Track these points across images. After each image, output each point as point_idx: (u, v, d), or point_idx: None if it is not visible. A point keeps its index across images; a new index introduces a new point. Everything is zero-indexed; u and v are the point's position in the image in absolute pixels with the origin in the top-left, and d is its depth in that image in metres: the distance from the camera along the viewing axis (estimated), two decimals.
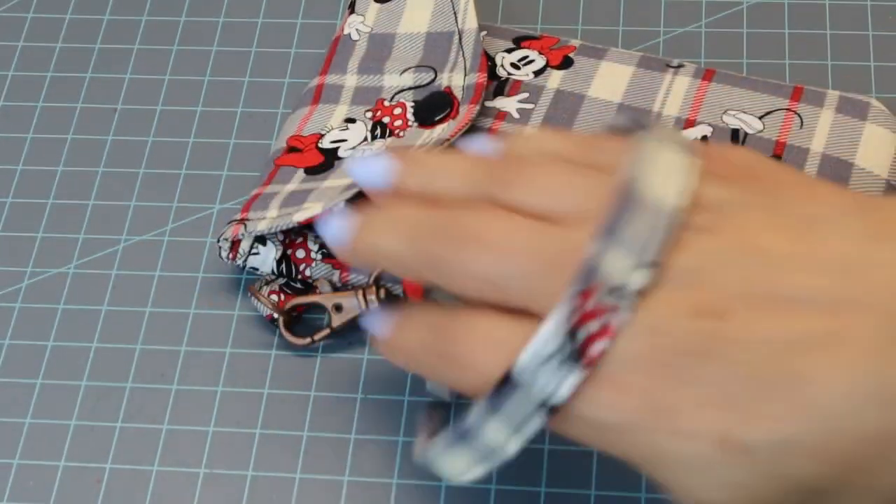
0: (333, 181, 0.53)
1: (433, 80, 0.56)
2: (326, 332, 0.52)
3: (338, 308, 0.52)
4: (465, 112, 0.54)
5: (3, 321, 0.55)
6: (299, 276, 0.53)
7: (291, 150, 0.55)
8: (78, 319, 0.55)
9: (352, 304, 0.51)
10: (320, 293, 0.52)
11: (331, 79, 0.57)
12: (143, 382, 0.53)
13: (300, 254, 0.53)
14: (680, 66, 0.56)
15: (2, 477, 0.51)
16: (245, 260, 0.53)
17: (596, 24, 0.61)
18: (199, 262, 0.56)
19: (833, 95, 0.54)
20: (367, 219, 0.41)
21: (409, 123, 0.55)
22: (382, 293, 0.51)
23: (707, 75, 0.55)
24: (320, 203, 0.51)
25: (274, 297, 0.53)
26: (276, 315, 0.52)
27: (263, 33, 0.62)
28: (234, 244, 0.53)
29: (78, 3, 0.64)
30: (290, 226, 0.51)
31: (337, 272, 0.52)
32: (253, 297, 0.53)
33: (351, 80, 0.57)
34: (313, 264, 0.53)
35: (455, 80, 0.55)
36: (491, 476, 0.50)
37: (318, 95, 0.57)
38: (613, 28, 0.61)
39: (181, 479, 0.51)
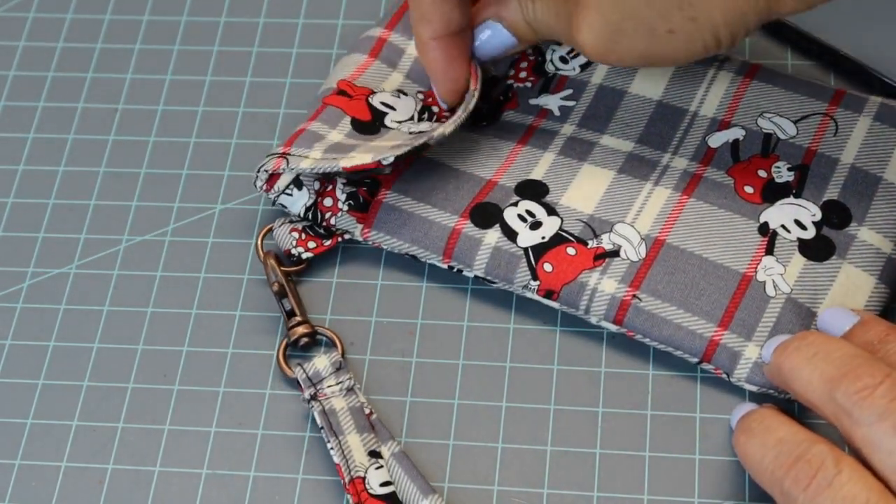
0: (380, 142, 0.54)
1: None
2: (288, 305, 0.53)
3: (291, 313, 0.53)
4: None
5: (5, 321, 0.55)
6: (324, 223, 0.53)
7: (341, 92, 0.55)
8: (79, 320, 0.55)
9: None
10: (282, 298, 0.53)
11: (394, 38, 0.57)
12: (145, 383, 0.53)
13: (328, 202, 0.53)
14: (726, 59, 0.55)
15: (4, 477, 0.51)
16: (278, 196, 0.54)
17: None
18: (201, 263, 0.56)
19: (874, 102, 0.54)
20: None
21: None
22: (303, 340, 0.52)
23: (750, 72, 0.55)
24: (369, 154, 0.52)
25: (295, 234, 0.53)
26: (293, 252, 0.53)
27: (265, 33, 0.62)
28: (272, 177, 0.53)
29: (79, 3, 0.64)
30: (335, 169, 0.51)
31: (360, 226, 0.53)
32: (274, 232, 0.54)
33: (412, 49, 0.57)
34: (339, 214, 0.53)
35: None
36: (493, 476, 0.50)
37: (379, 49, 0.57)
38: None
39: (183, 479, 0.51)
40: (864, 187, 0.52)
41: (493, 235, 0.52)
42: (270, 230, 0.54)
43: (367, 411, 0.50)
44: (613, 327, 0.51)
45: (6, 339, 0.55)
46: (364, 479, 0.48)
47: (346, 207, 0.53)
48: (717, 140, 0.53)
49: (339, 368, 0.51)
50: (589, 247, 0.51)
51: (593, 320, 0.51)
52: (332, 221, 0.53)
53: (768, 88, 0.54)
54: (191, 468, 0.51)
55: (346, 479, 0.48)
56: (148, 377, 0.53)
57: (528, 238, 0.51)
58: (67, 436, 0.52)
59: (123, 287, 0.55)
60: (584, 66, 0.56)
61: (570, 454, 0.50)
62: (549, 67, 0.56)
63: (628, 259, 0.51)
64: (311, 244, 0.54)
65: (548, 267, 0.51)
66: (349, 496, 0.48)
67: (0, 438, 0.52)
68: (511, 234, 0.52)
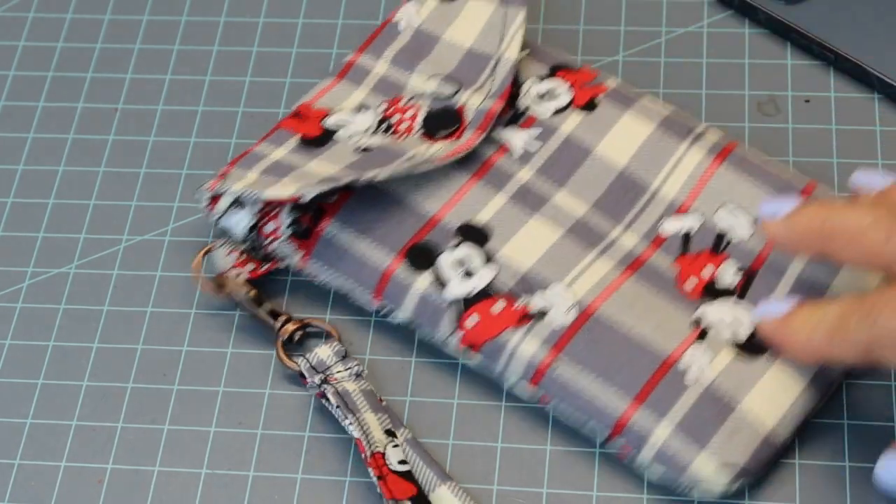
0: (319, 164, 0.53)
1: (454, 95, 0.55)
2: (251, 288, 0.53)
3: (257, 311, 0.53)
4: (468, 138, 0.53)
5: (5, 321, 0.55)
6: (264, 248, 0.53)
7: (296, 115, 0.55)
8: (79, 319, 0.55)
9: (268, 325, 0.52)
10: (251, 301, 0.52)
11: (363, 59, 0.57)
12: (145, 382, 0.53)
13: (270, 227, 0.52)
14: (701, 134, 0.54)
15: (3, 477, 0.51)
16: (220, 218, 0.53)
17: (597, 24, 0.61)
18: (201, 262, 0.55)
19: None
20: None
21: (414, 131, 0.54)
22: (297, 335, 0.52)
23: (722, 153, 0.53)
24: (294, 185, 0.51)
25: (234, 255, 0.53)
26: (218, 285, 0.53)
27: (265, 33, 0.62)
28: (214, 198, 0.53)
29: (79, 3, 0.64)
30: (260, 198, 0.50)
31: (299, 254, 0.52)
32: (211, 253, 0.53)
33: (381, 67, 0.56)
34: (279, 240, 0.52)
35: (473, 100, 0.55)
36: (493, 476, 0.50)
37: (346, 72, 0.57)
38: (615, 28, 0.61)
39: (183, 479, 0.51)
40: (808, 298, 0.49)
41: (424, 280, 0.51)
42: (209, 251, 0.53)
43: (378, 396, 0.50)
44: (529, 390, 0.49)
45: (6, 339, 0.55)
46: (384, 454, 0.48)
47: (287, 234, 0.52)
48: (671, 225, 0.52)
49: (344, 356, 0.51)
50: (517, 304, 0.50)
51: (511, 379, 0.50)
52: (273, 247, 0.52)
53: (735, 177, 0.52)
54: (190, 468, 0.51)
55: (368, 453, 0.48)
56: (148, 377, 0.53)
57: (458, 288, 0.50)
58: (67, 435, 0.52)
59: (123, 287, 0.55)
60: (557, 111, 0.55)
61: (571, 454, 0.50)
62: (522, 102, 0.55)
63: (554, 323, 0.49)
64: (250, 266, 0.53)
65: (472, 321, 0.50)
66: (371, 469, 0.48)
67: (0, 438, 0.52)
68: (442, 282, 0.50)
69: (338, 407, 0.49)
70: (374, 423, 0.49)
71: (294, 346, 0.53)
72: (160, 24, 0.63)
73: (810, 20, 0.58)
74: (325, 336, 0.53)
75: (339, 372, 0.51)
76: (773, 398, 0.48)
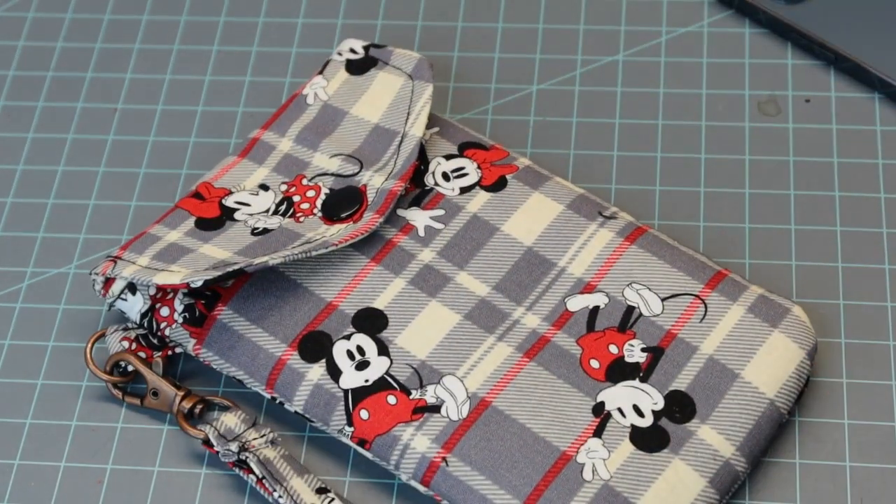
0: (212, 248, 0.52)
1: (356, 174, 0.54)
2: (136, 402, 0.52)
3: (154, 394, 0.51)
4: (367, 221, 0.52)
5: (4, 321, 0.55)
6: (158, 333, 0.51)
7: (196, 195, 0.54)
8: (79, 319, 0.55)
9: (167, 397, 0.51)
10: (152, 370, 0.51)
11: (267, 136, 0.56)
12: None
13: (164, 311, 0.51)
14: (612, 216, 0.53)
15: (2, 478, 0.51)
16: (113, 302, 0.52)
17: (597, 24, 0.61)
18: None
19: (753, 293, 0.50)
20: None
21: (315, 212, 0.53)
22: (198, 408, 0.51)
23: (633, 235, 0.52)
24: (184, 271, 0.50)
25: (126, 343, 0.52)
26: (121, 362, 0.52)
27: (264, 33, 0.62)
28: (109, 281, 0.52)
29: (78, 3, 0.64)
30: (150, 283, 0.50)
31: (192, 341, 0.51)
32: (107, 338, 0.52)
33: (285, 145, 0.55)
34: (173, 325, 0.51)
35: (375, 180, 0.53)
36: None
37: (249, 149, 0.55)
38: (615, 28, 0.61)
39: (182, 479, 0.51)
40: (718, 382, 0.48)
41: (316, 371, 0.49)
42: (103, 335, 0.53)
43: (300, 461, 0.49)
44: (422, 488, 0.48)
45: (5, 338, 0.54)
46: None
47: (181, 319, 0.51)
48: (576, 303, 0.51)
49: (254, 423, 0.50)
50: (411, 397, 0.49)
51: (403, 478, 0.48)
52: (167, 332, 0.51)
53: (645, 257, 0.51)
54: (190, 468, 0.51)
55: None
56: None
57: (351, 379, 0.49)
58: (66, 436, 0.52)
59: None
60: (464, 189, 0.54)
61: None
62: (429, 180, 0.54)
63: (448, 417, 0.48)
64: (142, 354, 0.52)
65: (364, 414, 0.48)
66: None
67: (0, 438, 0.52)
68: (335, 373, 0.49)
69: (263, 478, 0.48)
70: (303, 488, 0.48)
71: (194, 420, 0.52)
72: (160, 24, 0.63)
73: (810, 20, 0.58)
74: (225, 408, 0.52)
75: (255, 439, 0.49)
76: (672, 496, 0.46)
